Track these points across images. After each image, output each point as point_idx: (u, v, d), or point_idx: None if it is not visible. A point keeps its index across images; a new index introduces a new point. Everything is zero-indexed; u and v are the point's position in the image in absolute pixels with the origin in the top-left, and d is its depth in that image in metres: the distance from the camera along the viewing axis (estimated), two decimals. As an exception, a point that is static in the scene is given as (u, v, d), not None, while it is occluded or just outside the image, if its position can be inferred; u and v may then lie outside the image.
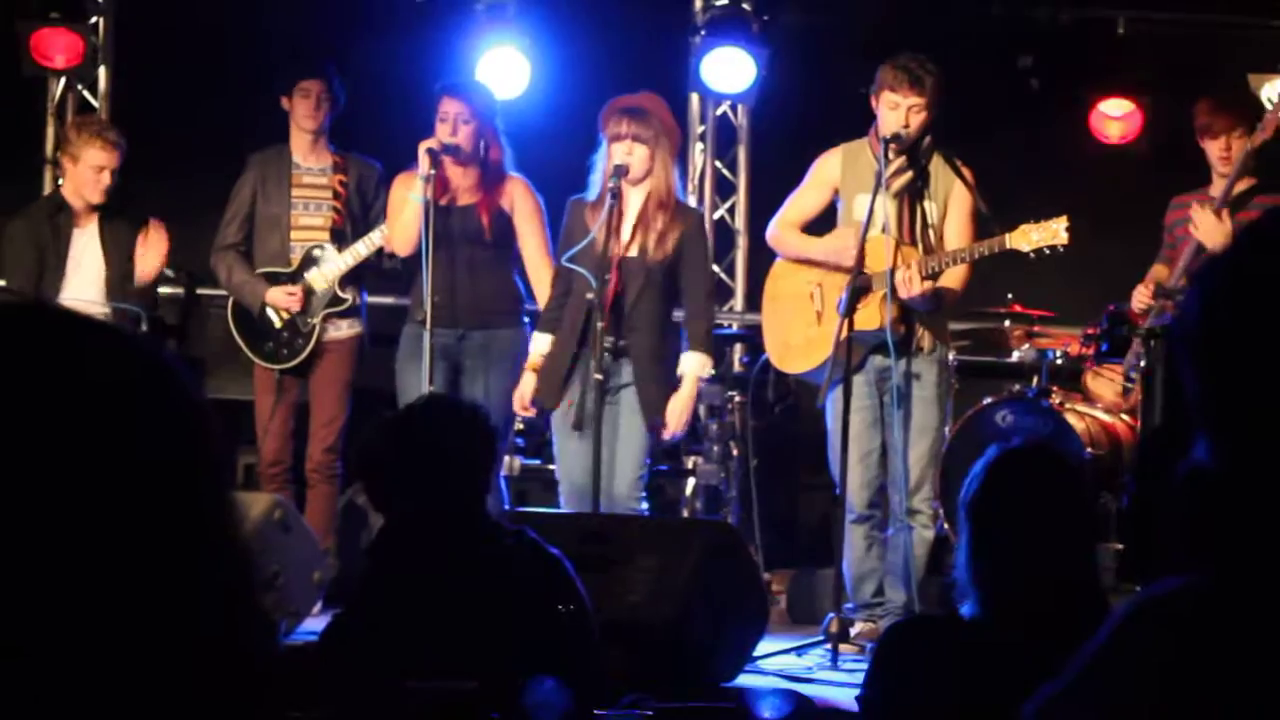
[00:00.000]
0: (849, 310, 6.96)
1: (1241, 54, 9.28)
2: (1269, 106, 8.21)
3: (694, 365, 7.25)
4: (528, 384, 7.38)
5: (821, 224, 7.44)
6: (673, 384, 7.23)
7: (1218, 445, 1.42)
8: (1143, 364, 7.62)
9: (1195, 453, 1.41)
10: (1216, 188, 7.62)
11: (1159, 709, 1.35)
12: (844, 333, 6.94)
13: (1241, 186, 7.54)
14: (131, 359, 1.27)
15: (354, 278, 8.10)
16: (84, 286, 8.08)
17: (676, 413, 7.19)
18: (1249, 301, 1.42)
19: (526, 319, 7.72)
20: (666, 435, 7.25)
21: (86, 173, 8.05)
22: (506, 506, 7.94)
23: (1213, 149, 7.64)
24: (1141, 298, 7.70)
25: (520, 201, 7.65)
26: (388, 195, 7.92)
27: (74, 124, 8.57)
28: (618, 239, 7.18)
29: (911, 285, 6.95)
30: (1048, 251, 6.94)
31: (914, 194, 7.19)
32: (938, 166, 7.21)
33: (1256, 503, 1.37)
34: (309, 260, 8.09)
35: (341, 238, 8.08)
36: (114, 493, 1.21)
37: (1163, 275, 7.74)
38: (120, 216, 8.26)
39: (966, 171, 7.22)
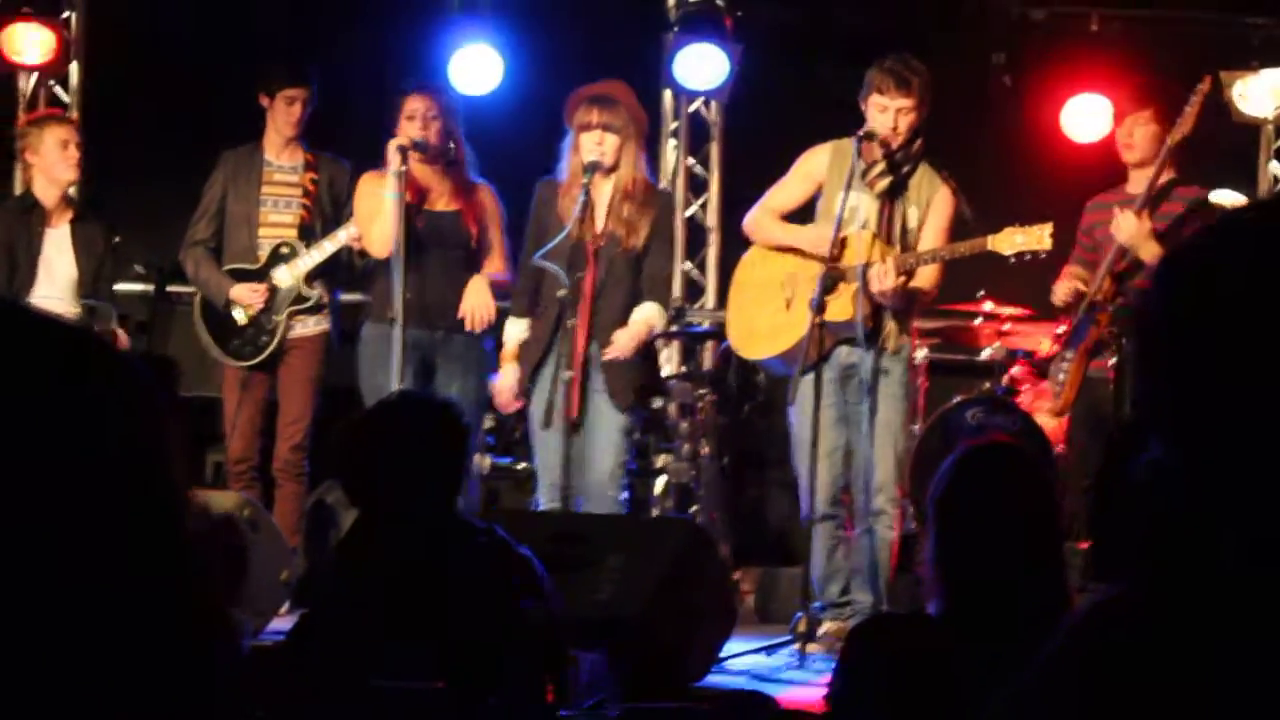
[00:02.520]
0: (820, 306, 6.93)
1: (1215, 51, 9.29)
2: (1238, 104, 8.19)
3: (646, 311, 7.22)
4: (508, 376, 7.33)
5: (800, 218, 7.43)
6: (642, 366, 7.21)
7: (1166, 446, 1.41)
8: (1113, 361, 7.58)
9: (1152, 452, 1.41)
10: (1133, 184, 7.53)
11: (1103, 715, 1.34)
12: (814, 327, 6.91)
13: (1161, 180, 7.41)
14: (90, 357, 1.26)
15: (322, 275, 8.06)
16: (54, 287, 8.06)
17: (620, 341, 7.12)
18: (1198, 301, 1.41)
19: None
20: (606, 356, 7.13)
21: (52, 153, 8.03)
22: (477, 509, 7.92)
23: (1118, 136, 7.59)
24: (1062, 293, 7.59)
25: (490, 210, 7.70)
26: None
27: (23, 122, 8.54)
28: (592, 228, 7.17)
29: (885, 279, 6.92)
30: (1029, 256, 6.91)
31: (896, 197, 7.16)
32: (924, 173, 7.17)
33: (1192, 505, 1.37)
34: (276, 257, 8.05)
35: (310, 235, 8.05)
36: (66, 488, 1.21)
37: (1081, 275, 7.63)
38: (91, 218, 8.26)
39: (952, 183, 7.16)
